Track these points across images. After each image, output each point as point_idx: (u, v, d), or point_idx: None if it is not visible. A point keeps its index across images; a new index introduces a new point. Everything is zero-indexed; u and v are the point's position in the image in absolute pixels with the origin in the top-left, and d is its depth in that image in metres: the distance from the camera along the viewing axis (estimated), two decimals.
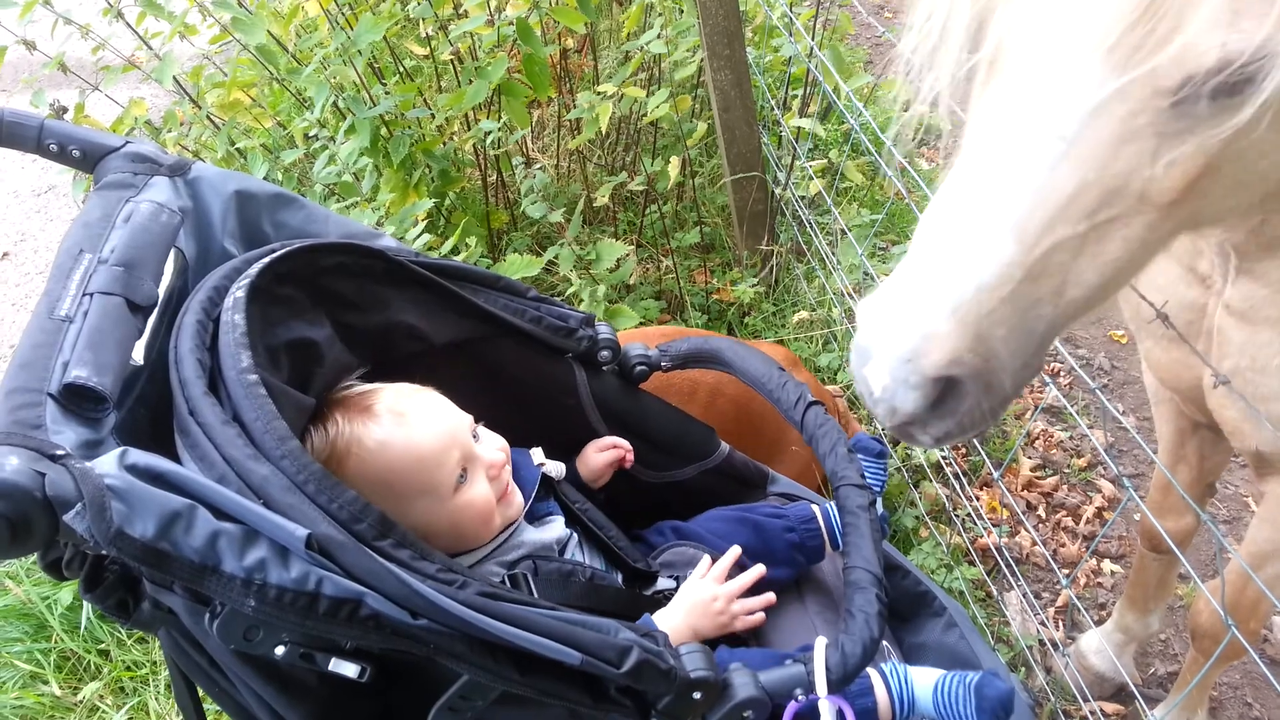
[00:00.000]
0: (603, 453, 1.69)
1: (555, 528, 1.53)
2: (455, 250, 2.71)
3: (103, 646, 2.36)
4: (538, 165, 3.38)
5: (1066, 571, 2.68)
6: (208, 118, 3.32)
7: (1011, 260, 0.91)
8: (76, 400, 1.01)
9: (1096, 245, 0.92)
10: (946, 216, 0.95)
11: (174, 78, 3.00)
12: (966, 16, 0.96)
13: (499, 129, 2.94)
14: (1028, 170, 0.90)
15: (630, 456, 1.70)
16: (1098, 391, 1.59)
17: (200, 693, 1.25)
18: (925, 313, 0.94)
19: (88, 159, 1.34)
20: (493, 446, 1.48)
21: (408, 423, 1.37)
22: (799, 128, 3.06)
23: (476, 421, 1.48)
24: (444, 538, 1.40)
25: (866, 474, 1.54)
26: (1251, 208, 1.04)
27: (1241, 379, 1.36)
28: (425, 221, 2.77)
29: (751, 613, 1.49)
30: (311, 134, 3.01)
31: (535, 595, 1.39)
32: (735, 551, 1.53)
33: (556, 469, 1.61)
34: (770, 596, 1.52)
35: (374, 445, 1.34)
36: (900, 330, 0.96)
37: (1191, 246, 1.38)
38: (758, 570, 1.51)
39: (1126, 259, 0.94)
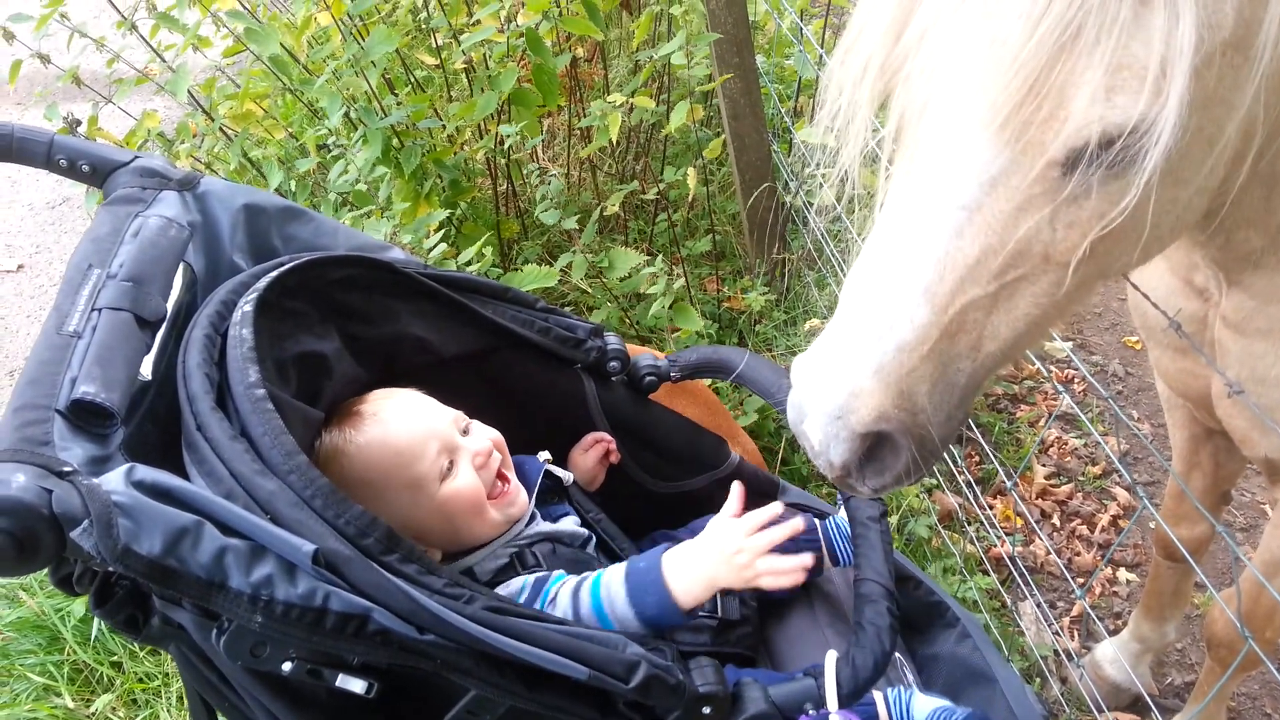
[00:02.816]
0: (587, 452, 1.68)
1: (570, 523, 1.54)
2: (470, 262, 2.72)
3: (115, 658, 2.37)
4: (550, 174, 3.38)
5: (1081, 581, 2.65)
6: (220, 129, 3.34)
7: (927, 321, 0.97)
8: (84, 416, 1.02)
9: (1008, 303, 0.98)
10: (868, 279, 1.01)
11: (188, 90, 3.02)
12: (871, 95, 1.03)
13: (517, 134, 2.95)
14: (936, 238, 0.96)
15: (614, 447, 1.69)
16: (1110, 400, 1.58)
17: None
18: (851, 372, 1.00)
19: (97, 174, 1.35)
20: (482, 437, 1.48)
21: (381, 420, 1.38)
22: (805, 142, 3.05)
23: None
24: (438, 534, 1.41)
25: None
26: (1161, 243, 1.07)
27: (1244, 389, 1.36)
28: (439, 232, 2.77)
29: (782, 573, 1.28)
30: (326, 144, 3.02)
31: (546, 569, 1.40)
32: (774, 508, 1.34)
33: (565, 476, 1.61)
34: (807, 558, 1.30)
35: (353, 449, 1.36)
36: (829, 389, 1.01)
37: (1186, 259, 1.39)
38: (794, 525, 1.32)
39: (1038, 314, 0.99)
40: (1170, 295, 1.45)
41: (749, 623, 1.58)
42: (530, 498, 1.52)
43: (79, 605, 2.41)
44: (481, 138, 3.30)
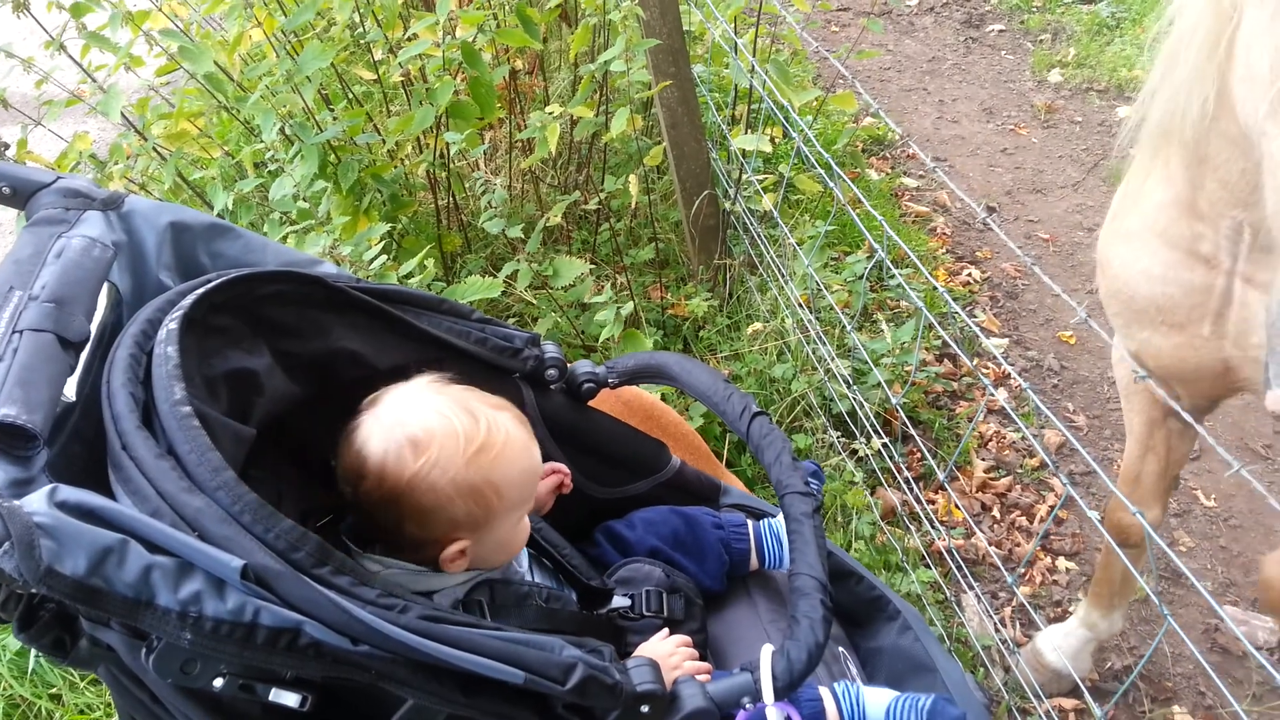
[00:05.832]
0: (542, 482, 1.66)
1: None
2: (410, 274, 2.71)
3: (54, 690, 2.32)
4: (493, 184, 3.39)
5: (1020, 571, 2.71)
6: (154, 149, 3.29)
7: None
8: (5, 439, 1.00)
9: None
10: None
11: (120, 110, 2.98)
12: None
13: (462, 141, 2.95)
14: None
15: (569, 480, 1.69)
16: (1035, 397, 1.63)
17: None
18: None
19: (18, 196, 1.33)
20: None
21: (524, 431, 1.41)
22: (743, 149, 3.10)
23: None
24: (493, 556, 1.42)
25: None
26: None
27: None
28: (379, 245, 2.77)
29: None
30: (264, 160, 3.00)
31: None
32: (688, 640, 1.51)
33: None
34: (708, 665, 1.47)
35: (524, 442, 1.38)
36: None
37: (1189, 231, 1.41)
38: (706, 665, 1.46)
39: None
40: (1172, 269, 1.46)
41: (695, 619, 1.60)
42: None
43: (13, 640, 2.36)
44: (421, 152, 3.30)
